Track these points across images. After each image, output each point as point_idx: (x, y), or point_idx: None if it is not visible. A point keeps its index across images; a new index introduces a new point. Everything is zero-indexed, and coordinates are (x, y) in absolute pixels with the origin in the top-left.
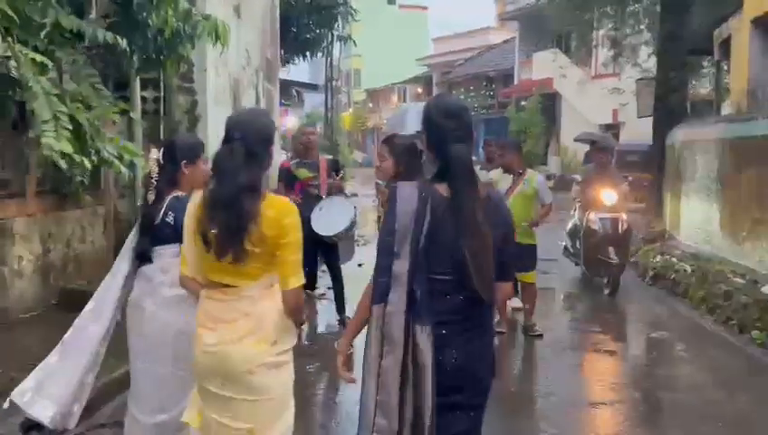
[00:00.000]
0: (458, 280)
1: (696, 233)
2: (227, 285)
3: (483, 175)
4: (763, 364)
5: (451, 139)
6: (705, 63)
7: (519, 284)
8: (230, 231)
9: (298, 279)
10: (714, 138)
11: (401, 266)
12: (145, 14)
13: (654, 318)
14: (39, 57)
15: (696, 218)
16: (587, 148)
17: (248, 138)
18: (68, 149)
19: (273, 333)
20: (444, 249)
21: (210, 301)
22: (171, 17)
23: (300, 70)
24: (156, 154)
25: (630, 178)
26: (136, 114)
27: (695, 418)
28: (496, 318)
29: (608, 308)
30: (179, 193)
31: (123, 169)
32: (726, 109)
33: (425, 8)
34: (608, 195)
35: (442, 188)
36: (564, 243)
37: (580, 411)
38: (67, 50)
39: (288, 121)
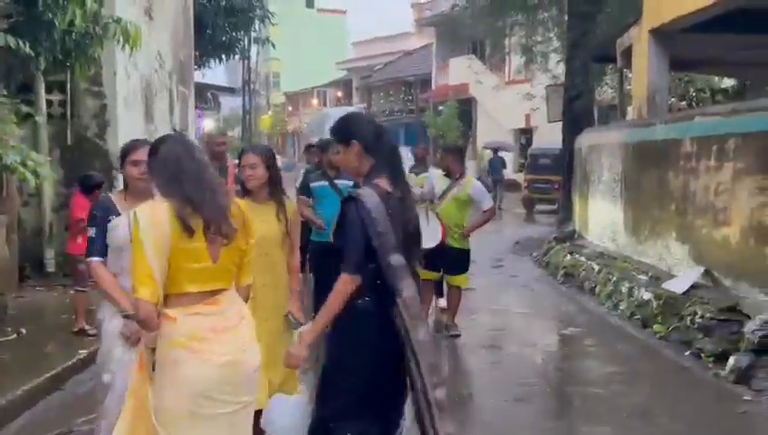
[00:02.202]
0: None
1: (603, 233)
2: (213, 293)
3: (411, 178)
4: (663, 356)
5: (380, 135)
6: (609, 70)
7: (446, 285)
8: (220, 209)
9: (251, 277)
10: (617, 142)
11: (399, 259)
12: (51, 14)
13: (565, 315)
14: None
15: (602, 219)
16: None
17: None
18: None
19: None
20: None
21: (197, 316)
22: (79, 18)
23: (216, 73)
24: None
25: None
26: (41, 118)
27: (603, 409)
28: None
29: (522, 306)
30: None
31: (29, 176)
32: (630, 114)
33: (343, 12)
34: None
35: (383, 183)
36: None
37: (495, 408)
38: None
39: (204, 126)
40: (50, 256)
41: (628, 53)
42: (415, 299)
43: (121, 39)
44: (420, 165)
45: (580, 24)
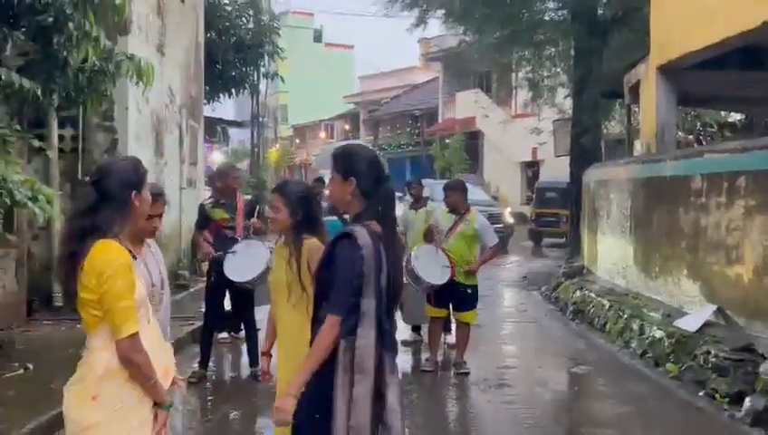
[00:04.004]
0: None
1: (612, 268)
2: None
3: (411, 214)
4: (677, 397)
5: (381, 180)
6: (616, 105)
7: (455, 322)
8: (64, 272)
9: (129, 327)
10: (626, 177)
11: (369, 304)
12: (65, 52)
13: (575, 353)
14: None
15: (611, 254)
16: (510, 184)
17: (103, 180)
18: None
19: (92, 387)
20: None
21: None
22: (92, 56)
23: (225, 106)
24: None
25: None
26: (53, 153)
27: None
28: (426, 356)
29: (532, 343)
30: None
31: (37, 211)
32: (638, 149)
33: (351, 47)
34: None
35: (374, 226)
36: None
37: None
38: None
39: (213, 158)
40: (58, 290)
41: (635, 89)
42: (367, 350)
43: (134, 76)
44: (418, 201)
45: (587, 60)
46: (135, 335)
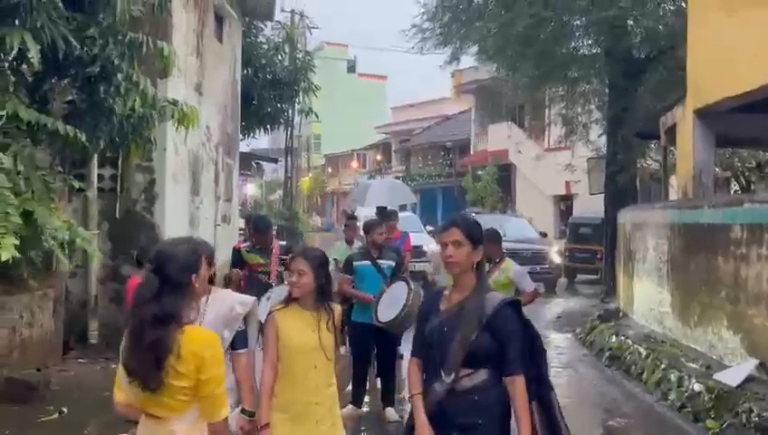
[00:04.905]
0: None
1: (649, 314)
2: (155, 416)
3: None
4: None
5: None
6: (652, 146)
7: None
8: (145, 365)
9: (225, 411)
10: (662, 222)
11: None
12: (111, 100)
13: (611, 403)
14: None
15: (648, 299)
16: (543, 218)
17: (164, 267)
18: (10, 252)
19: None
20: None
21: (144, 427)
22: (139, 106)
23: (259, 138)
24: None
25: None
26: (92, 193)
27: None
28: None
29: (567, 390)
30: None
31: (65, 261)
32: (674, 189)
33: (384, 77)
34: None
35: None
36: None
37: None
38: (21, 141)
39: (247, 191)
40: (93, 327)
41: (672, 131)
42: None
43: (177, 121)
44: None
45: (622, 99)
46: (225, 419)
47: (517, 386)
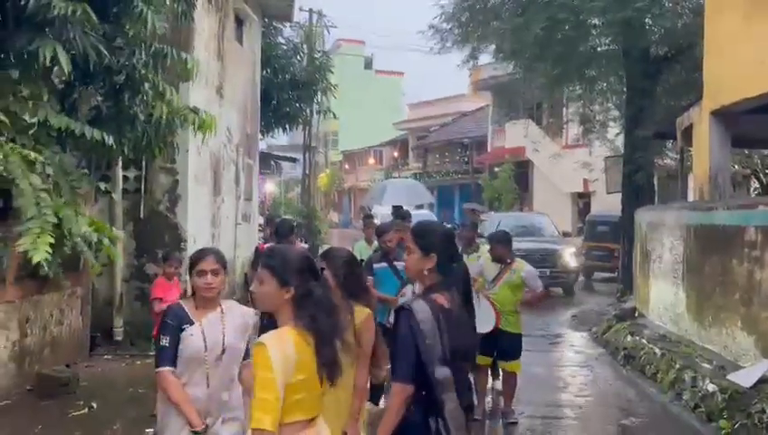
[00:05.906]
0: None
1: (664, 314)
2: (311, 420)
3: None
4: None
5: (455, 258)
6: (669, 145)
7: (501, 371)
8: (335, 355)
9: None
10: (678, 223)
11: (443, 372)
12: (135, 108)
13: (625, 402)
14: (33, 154)
15: (663, 299)
16: (561, 215)
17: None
18: (44, 255)
19: None
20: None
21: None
22: (164, 114)
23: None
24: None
25: None
26: (117, 195)
27: None
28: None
29: (582, 390)
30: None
31: (94, 262)
32: (691, 188)
33: (401, 73)
34: None
35: (441, 299)
36: None
37: None
38: (53, 147)
39: (266, 189)
40: (119, 324)
41: (688, 132)
42: (457, 411)
43: (197, 127)
44: (471, 244)
45: (639, 99)
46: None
47: (391, 396)
